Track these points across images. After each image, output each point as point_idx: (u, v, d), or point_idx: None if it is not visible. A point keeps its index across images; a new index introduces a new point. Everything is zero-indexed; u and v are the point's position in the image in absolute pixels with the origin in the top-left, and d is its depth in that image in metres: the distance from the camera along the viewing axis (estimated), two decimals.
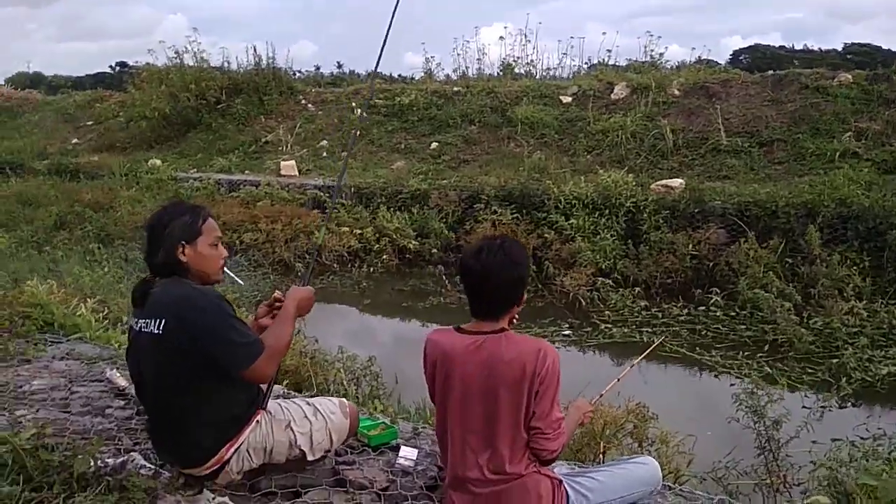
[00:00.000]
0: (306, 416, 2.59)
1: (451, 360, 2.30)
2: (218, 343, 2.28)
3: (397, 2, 3.08)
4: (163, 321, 2.32)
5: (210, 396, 2.37)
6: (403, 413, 4.12)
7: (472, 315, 2.36)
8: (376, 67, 3.41)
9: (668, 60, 13.78)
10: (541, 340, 2.31)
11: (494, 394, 2.21)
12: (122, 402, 3.35)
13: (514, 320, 2.39)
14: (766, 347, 6.02)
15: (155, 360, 2.36)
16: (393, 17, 3.02)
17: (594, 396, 2.78)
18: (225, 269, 2.55)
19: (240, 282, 2.84)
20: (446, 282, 8.12)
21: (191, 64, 15.44)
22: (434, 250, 9.19)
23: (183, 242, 2.41)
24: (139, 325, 2.38)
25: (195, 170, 12.74)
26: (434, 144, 12.04)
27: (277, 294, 2.66)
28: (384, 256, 9.16)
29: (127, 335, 2.63)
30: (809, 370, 5.57)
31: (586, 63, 14.98)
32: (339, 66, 22.43)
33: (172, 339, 2.30)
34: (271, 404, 2.61)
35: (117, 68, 33.27)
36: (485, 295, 2.30)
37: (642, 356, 3.12)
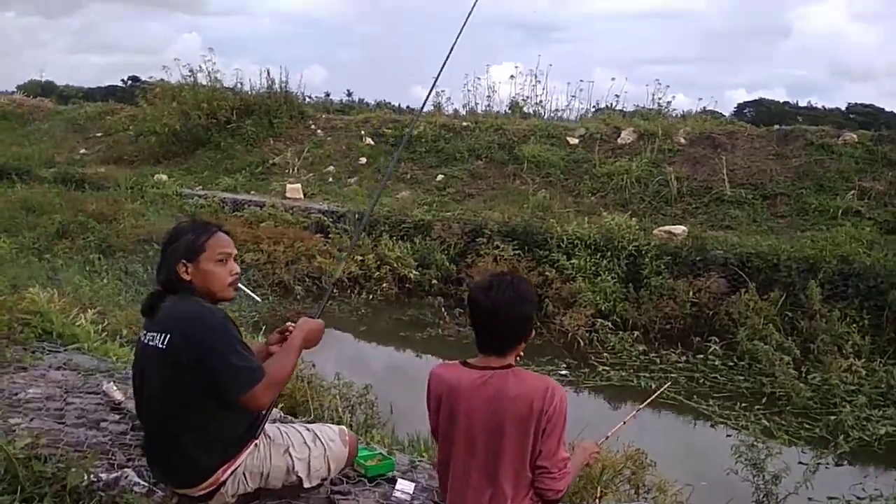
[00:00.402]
0: (305, 443, 2.56)
1: (457, 395, 2.29)
2: (219, 364, 2.26)
3: (462, 25, 3.12)
4: (168, 336, 2.32)
5: (210, 416, 2.35)
6: (398, 445, 4.08)
7: (478, 350, 2.35)
8: (430, 92, 3.43)
9: (674, 109, 13.97)
10: (548, 378, 2.31)
11: (500, 430, 2.20)
12: (118, 417, 3.32)
13: (520, 357, 2.39)
14: (764, 400, 6.00)
15: (158, 375, 2.35)
16: (457, 38, 3.06)
17: (600, 438, 2.75)
18: (240, 285, 2.53)
19: (257, 298, 2.83)
20: (445, 314, 8.10)
21: (204, 83, 15.58)
22: (434, 281, 9.18)
23: (184, 261, 2.40)
24: (146, 337, 2.37)
25: (201, 187, 12.78)
26: (440, 176, 12.12)
27: (289, 325, 2.64)
28: (384, 284, 9.14)
29: (135, 346, 2.61)
30: (807, 425, 5.54)
31: (594, 106, 15.15)
32: (349, 94, 22.60)
33: (176, 355, 2.29)
34: (270, 428, 2.59)
35: (129, 82, 33.48)
36: (493, 331, 2.29)
37: (648, 401, 3.11)
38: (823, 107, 25.34)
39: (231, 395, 2.28)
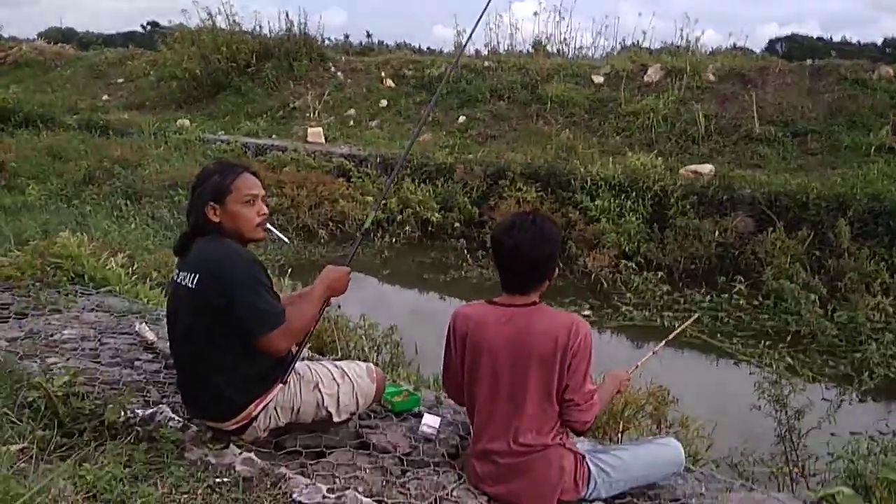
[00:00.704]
0: (334, 379, 2.62)
1: (482, 332, 2.31)
2: (242, 303, 2.30)
3: None
4: (197, 276, 2.36)
5: (238, 354, 2.40)
6: (424, 382, 4.15)
7: (503, 289, 2.37)
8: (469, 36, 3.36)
9: (703, 45, 13.53)
10: (573, 314, 2.33)
11: (524, 365, 2.23)
12: (151, 356, 3.40)
13: (542, 296, 2.40)
14: (789, 338, 5.97)
15: (189, 314, 2.40)
16: None
17: (631, 367, 2.77)
18: (269, 226, 2.54)
19: (285, 239, 2.85)
20: (468, 256, 8.13)
21: (223, 26, 15.41)
22: (457, 224, 9.18)
23: (212, 203, 2.42)
24: (179, 276, 2.42)
25: (223, 132, 12.78)
26: (461, 118, 11.97)
27: None
28: (407, 228, 9.17)
29: (167, 287, 2.65)
30: (831, 363, 5.54)
31: (620, 43, 14.77)
32: (369, 36, 22.15)
33: (205, 295, 2.34)
34: (299, 365, 2.64)
35: (148, 27, 33.31)
36: (516, 271, 2.31)
37: (679, 329, 3.12)
38: (858, 41, 24.40)
39: (249, 336, 2.32)
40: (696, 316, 3.82)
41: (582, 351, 2.21)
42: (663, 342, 2.93)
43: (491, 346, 2.29)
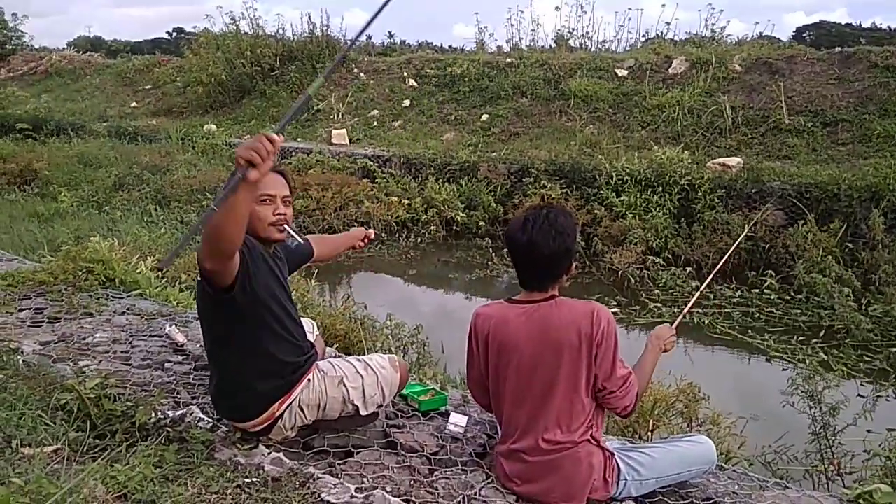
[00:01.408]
0: (357, 372, 2.63)
1: (504, 331, 2.30)
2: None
3: None
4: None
5: (258, 351, 2.42)
6: (451, 381, 4.15)
7: (521, 286, 2.35)
8: None
9: (729, 35, 13.34)
10: (592, 302, 2.29)
11: (548, 360, 2.21)
12: (181, 358, 3.45)
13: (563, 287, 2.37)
14: (822, 333, 5.86)
15: (204, 309, 2.45)
16: None
17: (674, 320, 2.68)
18: (287, 227, 2.54)
19: (300, 240, 2.87)
20: (493, 255, 8.10)
21: (246, 31, 15.59)
22: (481, 223, 9.16)
23: None
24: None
25: (249, 136, 12.89)
26: (485, 116, 11.94)
27: (370, 231, 3.11)
28: (431, 227, 9.17)
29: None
30: (867, 358, 5.41)
31: (643, 36, 14.59)
32: (391, 36, 22.20)
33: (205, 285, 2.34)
34: (322, 363, 2.66)
35: (174, 34, 33.84)
36: (532, 267, 2.28)
37: (716, 269, 3.19)
38: (889, 27, 23.85)
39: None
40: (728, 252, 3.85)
41: (607, 339, 2.18)
42: (703, 286, 3.02)
43: (514, 344, 2.27)
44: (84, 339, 3.61)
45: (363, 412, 2.61)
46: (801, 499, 2.49)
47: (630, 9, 17.12)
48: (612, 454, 2.31)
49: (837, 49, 11.29)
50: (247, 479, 2.26)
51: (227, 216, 1.97)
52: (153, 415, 2.60)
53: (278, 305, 2.45)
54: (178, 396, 2.97)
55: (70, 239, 6.27)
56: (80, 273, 4.52)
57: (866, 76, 9.92)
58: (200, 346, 3.30)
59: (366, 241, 3.13)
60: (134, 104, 16.86)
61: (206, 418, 2.66)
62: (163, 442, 2.46)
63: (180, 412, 2.69)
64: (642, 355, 2.44)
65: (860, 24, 25.16)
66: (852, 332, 5.80)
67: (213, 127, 13.28)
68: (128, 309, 4.19)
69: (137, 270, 4.87)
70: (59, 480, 2.01)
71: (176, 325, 3.80)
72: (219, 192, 2.07)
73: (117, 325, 3.88)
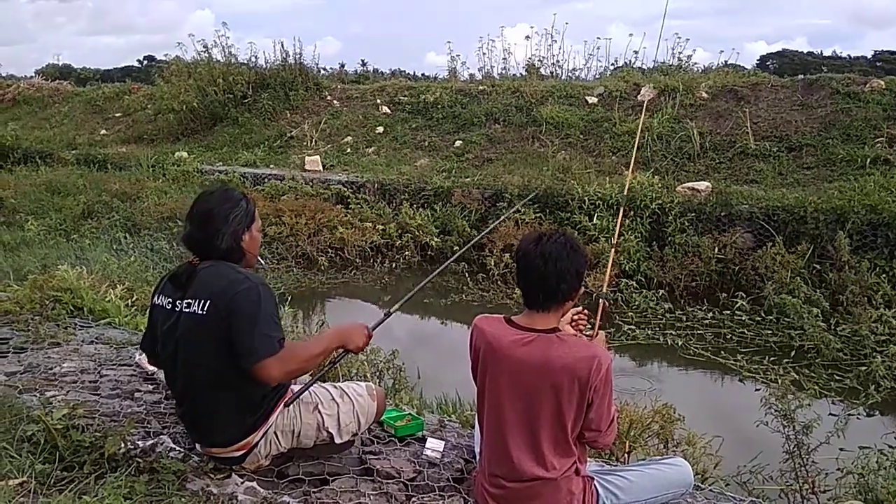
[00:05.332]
0: (333, 399, 2.60)
1: (496, 353, 2.25)
2: (248, 326, 2.26)
3: None
4: (208, 302, 2.32)
5: (243, 380, 2.37)
6: (427, 407, 4.11)
7: (525, 304, 2.29)
8: None
9: (695, 63, 13.67)
10: (594, 345, 2.24)
11: (541, 395, 2.16)
12: (151, 387, 3.38)
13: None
14: (793, 353, 5.94)
15: (195, 341, 2.36)
16: None
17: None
18: None
19: (262, 263, 2.95)
20: (468, 279, 8.11)
21: (219, 58, 15.55)
22: (456, 248, 9.15)
23: (245, 228, 2.47)
24: (180, 305, 2.38)
25: (221, 163, 12.82)
26: (458, 142, 12.03)
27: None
28: (406, 252, 9.17)
29: (150, 312, 2.60)
30: (837, 377, 5.49)
31: (612, 64, 14.89)
32: (364, 64, 22.38)
33: (216, 320, 2.30)
34: (297, 388, 2.63)
35: (145, 62, 33.72)
36: (541, 282, 2.21)
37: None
38: (849, 55, 24.71)
39: (244, 361, 2.26)
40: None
41: (604, 386, 2.16)
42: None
43: (502, 369, 2.24)
44: (51, 369, 3.53)
45: (338, 440, 2.57)
46: None
47: (599, 38, 17.52)
48: (592, 478, 2.30)
49: (800, 76, 11.64)
50: None
51: (312, 359, 2.44)
52: (123, 445, 2.54)
53: None
54: (149, 426, 2.90)
55: (37, 268, 6.14)
56: (48, 302, 4.44)
57: (828, 102, 10.21)
58: None
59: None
60: (104, 132, 16.69)
61: (177, 448, 2.61)
62: (133, 473, 2.41)
63: (151, 442, 2.63)
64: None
65: (821, 53, 26.04)
66: (822, 351, 5.90)
67: (185, 154, 13.18)
68: (96, 338, 4.11)
69: (106, 299, 4.78)
70: None
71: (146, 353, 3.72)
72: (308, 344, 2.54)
73: (85, 354, 3.80)
